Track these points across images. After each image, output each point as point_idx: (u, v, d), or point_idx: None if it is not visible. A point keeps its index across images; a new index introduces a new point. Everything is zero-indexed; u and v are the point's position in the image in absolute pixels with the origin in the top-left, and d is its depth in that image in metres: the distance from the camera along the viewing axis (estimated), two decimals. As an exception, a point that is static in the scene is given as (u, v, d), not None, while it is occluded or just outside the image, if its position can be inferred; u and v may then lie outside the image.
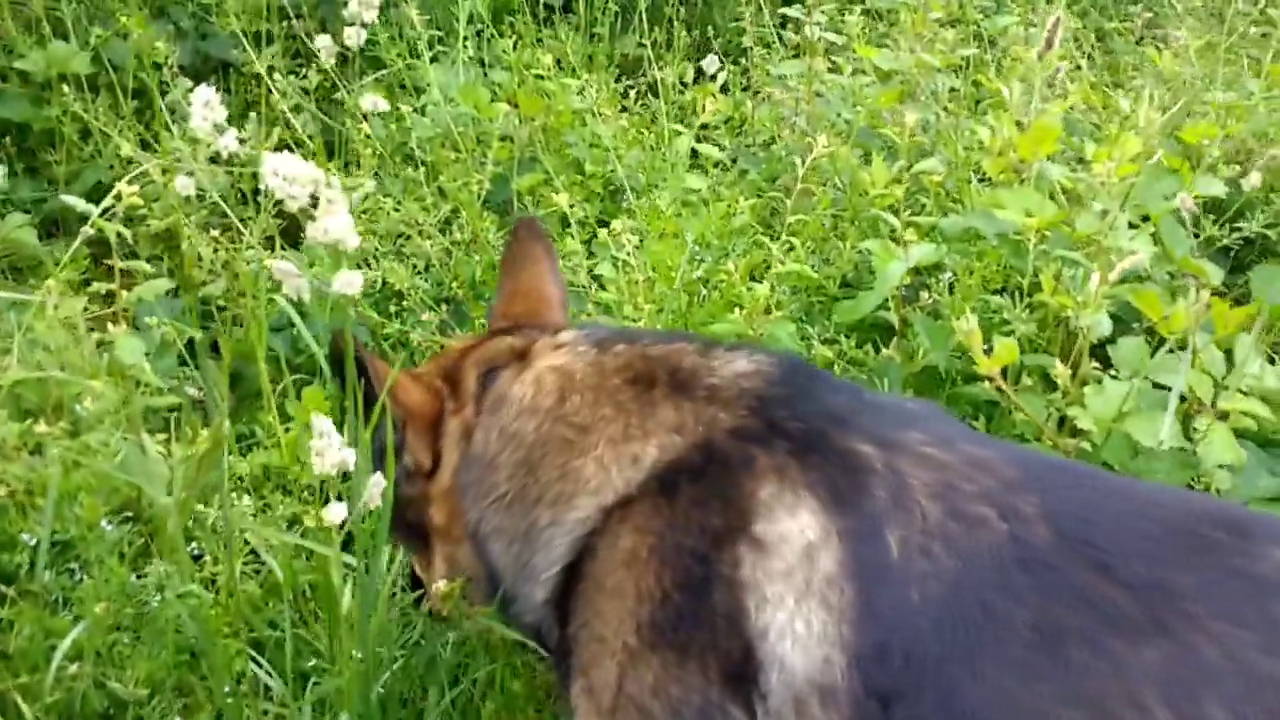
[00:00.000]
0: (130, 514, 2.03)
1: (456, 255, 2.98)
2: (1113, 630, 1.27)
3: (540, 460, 1.63)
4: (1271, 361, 2.21)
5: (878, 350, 2.41)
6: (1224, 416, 2.09)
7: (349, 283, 1.22)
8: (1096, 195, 2.25)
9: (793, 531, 1.41)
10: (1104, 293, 2.04)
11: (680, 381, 1.63)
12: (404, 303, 2.91)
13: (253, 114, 3.32)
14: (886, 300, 2.33)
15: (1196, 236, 2.64)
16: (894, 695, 1.33)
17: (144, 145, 3.30)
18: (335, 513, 1.34)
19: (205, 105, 1.42)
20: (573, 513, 1.59)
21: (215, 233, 2.90)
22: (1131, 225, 2.41)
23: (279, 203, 1.21)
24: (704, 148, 2.69)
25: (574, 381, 1.67)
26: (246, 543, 2.16)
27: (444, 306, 2.94)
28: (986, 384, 2.23)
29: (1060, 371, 1.97)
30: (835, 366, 2.30)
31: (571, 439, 1.62)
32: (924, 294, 2.33)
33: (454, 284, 2.92)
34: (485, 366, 1.75)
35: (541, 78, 3.56)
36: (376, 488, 1.38)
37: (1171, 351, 2.19)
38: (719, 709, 1.41)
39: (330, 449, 1.28)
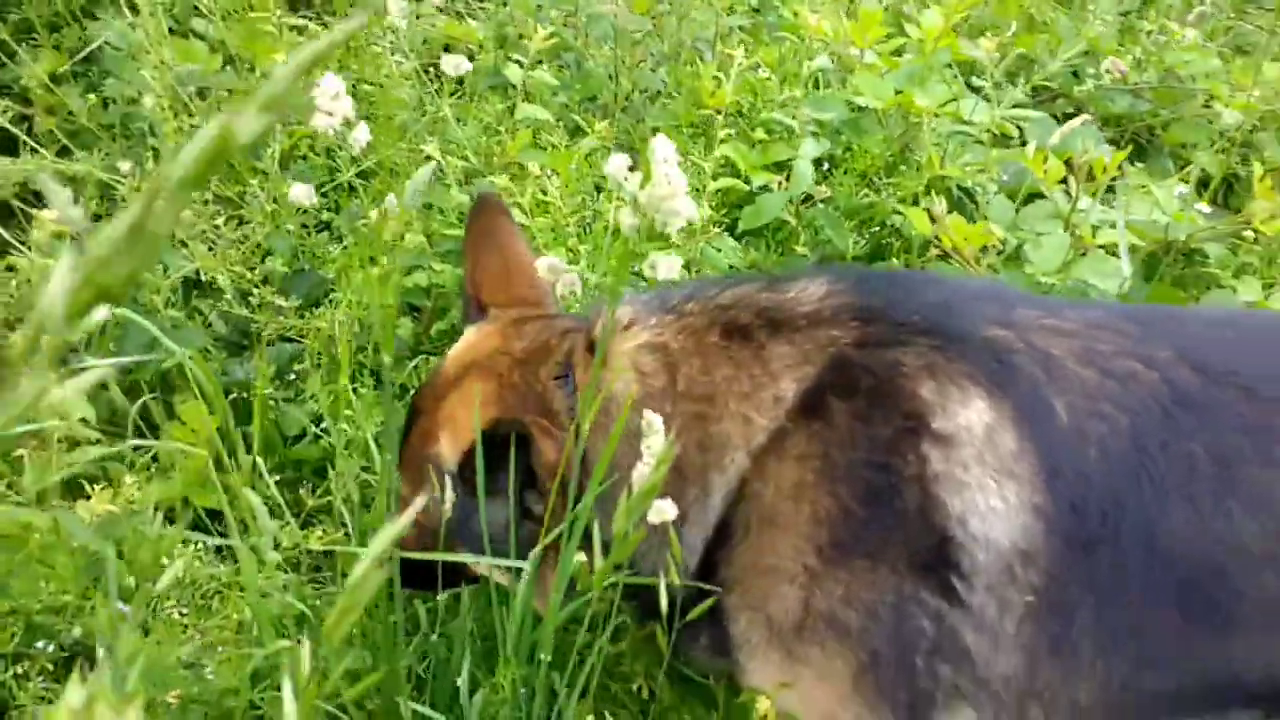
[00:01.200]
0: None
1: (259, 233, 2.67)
2: (1275, 441, 1.49)
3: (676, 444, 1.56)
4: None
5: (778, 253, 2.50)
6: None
7: (670, 268, 1.12)
8: (929, 72, 2.47)
9: (972, 420, 1.49)
10: (992, 159, 2.27)
11: (773, 320, 1.62)
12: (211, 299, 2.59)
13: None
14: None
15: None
16: (1095, 545, 1.48)
17: None
18: (666, 508, 1.24)
19: (334, 98, 1.20)
20: (721, 474, 1.56)
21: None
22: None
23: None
24: (539, 74, 2.60)
25: (673, 354, 1.61)
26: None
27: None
28: (894, 261, 2.42)
29: (997, 234, 2.18)
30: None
31: (702, 411, 1.57)
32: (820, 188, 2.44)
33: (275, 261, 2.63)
34: (555, 374, 1.64)
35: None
36: (663, 511, 1.26)
37: (1029, 202, 2.49)
38: (914, 600, 1.49)
39: (658, 439, 1.19)
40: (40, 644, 1.61)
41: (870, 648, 1.50)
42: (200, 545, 1.95)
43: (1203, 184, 3.41)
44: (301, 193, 1.31)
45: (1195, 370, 1.54)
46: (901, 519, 1.49)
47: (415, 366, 2.51)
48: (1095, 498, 1.48)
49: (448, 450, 1.65)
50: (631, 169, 1.14)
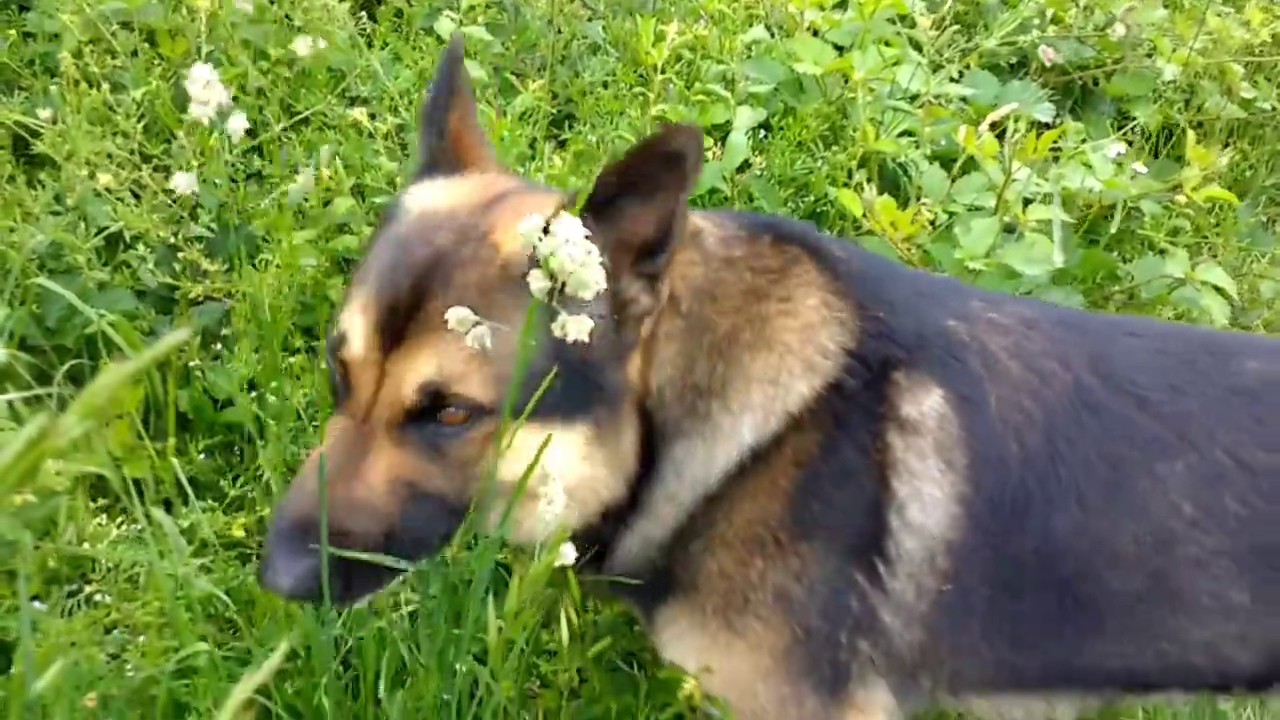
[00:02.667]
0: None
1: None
2: (1157, 454, 1.57)
3: (759, 301, 1.57)
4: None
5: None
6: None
7: (579, 329, 1.12)
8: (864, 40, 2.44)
9: (930, 410, 1.56)
10: (927, 135, 2.26)
11: (827, 258, 1.64)
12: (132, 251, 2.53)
13: None
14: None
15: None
16: (1002, 536, 1.56)
17: None
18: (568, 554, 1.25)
19: (205, 86, 1.16)
20: (793, 388, 1.55)
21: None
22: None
23: None
24: (473, 30, 2.53)
25: (744, 241, 1.62)
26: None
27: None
28: (829, 232, 2.42)
29: (926, 216, 2.18)
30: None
31: (788, 296, 1.58)
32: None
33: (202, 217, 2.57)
34: None
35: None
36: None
37: (964, 174, 2.49)
38: (847, 578, 1.56)
39: (557, 505, 1.19)
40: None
41: (806, 623, 1.56)
42: (124, 525, 1.94)
43: (1145, 133, 3.43)
44: (183, 183, 1.28)
45: (1099, 376, 1.60)
46: (859, 503, 1.56)
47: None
48: (1010, 488, 1.56)
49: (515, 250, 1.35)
50: (545, 231, 1.13)
